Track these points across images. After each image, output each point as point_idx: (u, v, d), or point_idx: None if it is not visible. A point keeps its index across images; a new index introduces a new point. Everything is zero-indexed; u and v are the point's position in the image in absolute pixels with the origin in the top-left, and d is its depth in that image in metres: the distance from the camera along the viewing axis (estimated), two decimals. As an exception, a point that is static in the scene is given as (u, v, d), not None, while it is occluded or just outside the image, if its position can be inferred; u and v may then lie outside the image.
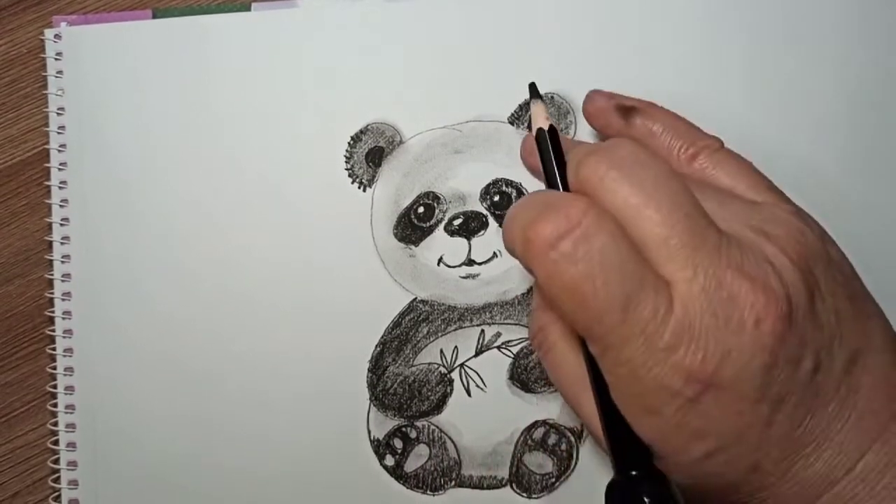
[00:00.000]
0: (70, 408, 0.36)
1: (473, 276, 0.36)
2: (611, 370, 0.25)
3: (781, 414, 0.24)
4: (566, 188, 0.27)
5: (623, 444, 0.25)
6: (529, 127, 0.35)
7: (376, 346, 0.36)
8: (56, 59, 0.38)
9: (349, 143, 0.37)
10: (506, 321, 0.36)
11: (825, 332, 0.25)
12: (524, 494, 0.35)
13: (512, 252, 0.26)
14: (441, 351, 0.36)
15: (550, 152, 0.28)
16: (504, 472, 0.36)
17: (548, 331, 0.28)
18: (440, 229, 0.37)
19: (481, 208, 0.37)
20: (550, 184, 0.28)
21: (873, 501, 0.25)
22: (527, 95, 0.37)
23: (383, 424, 0.36)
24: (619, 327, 0.24)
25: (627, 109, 0.31)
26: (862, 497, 0.25)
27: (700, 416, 0.24)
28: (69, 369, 0.37)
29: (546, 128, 0.28)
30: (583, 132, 0.36)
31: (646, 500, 0.24)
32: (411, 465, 0.36)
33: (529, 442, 0.36)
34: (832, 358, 0.25)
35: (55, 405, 0.36)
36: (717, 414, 0.24)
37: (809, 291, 0.25)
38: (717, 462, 0.25)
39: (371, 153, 0.37)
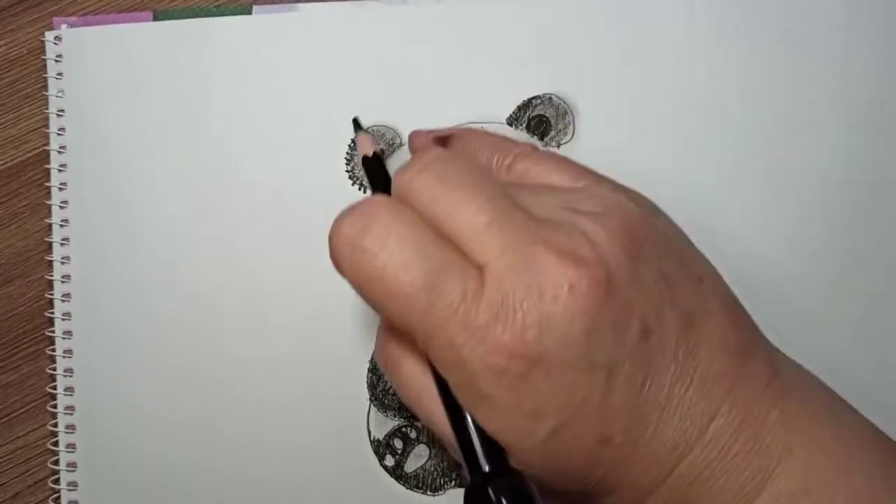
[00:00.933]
0: (70, 409, 0.36)
1: (473, 277, 0.37)
2: (439, 360, 0.25)
3: (618, 381, 0.24)
4: None
5: (473, 445, 0.25)
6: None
7: (376, 347, 0.36)
8: (56, 60, 0.38)
9: (350, 146, 0.37)
10: (505, 321, 0.36)
11: (652, 295, 0.25)
12: (524, 494, 0.35)
13: (335, 267, 0.27)
14: (441, 351, 0.36)
15: (378, 175, 0.31)
16: (504, 472, 0.36)
17: (391, 346, 0.28)
18: (440, 230, 0.37)
19: (481, 209, 0.37)
20: None
21: (728, 469, 0.24)
22: (525, 96, 0.37)
23: (383, 425, 0.36)
24: (429, 311, 0.24)
25: (445, 139, 0.33)
26: (717, 465, 0.24)
27: (533, 393, 0.24)
28: (69, 370, 0.37)
29: (370, 155, 0.31)
30: (581, 132, 0.37)
31: (501, 499, 0.24)
32: (411, 465, 0.36)
33: (529, 442, 0.36)
34: (663, 321, 0.25)
35: (55, 406, 0.36)
36: (550, 389, 0.24)
37: (630, 257, 0.25)
38: (564, 440, 0.24)
39: (371, 154, 0.37)
